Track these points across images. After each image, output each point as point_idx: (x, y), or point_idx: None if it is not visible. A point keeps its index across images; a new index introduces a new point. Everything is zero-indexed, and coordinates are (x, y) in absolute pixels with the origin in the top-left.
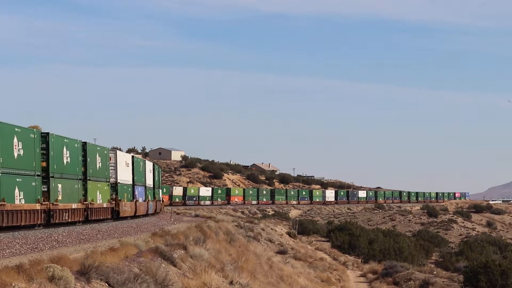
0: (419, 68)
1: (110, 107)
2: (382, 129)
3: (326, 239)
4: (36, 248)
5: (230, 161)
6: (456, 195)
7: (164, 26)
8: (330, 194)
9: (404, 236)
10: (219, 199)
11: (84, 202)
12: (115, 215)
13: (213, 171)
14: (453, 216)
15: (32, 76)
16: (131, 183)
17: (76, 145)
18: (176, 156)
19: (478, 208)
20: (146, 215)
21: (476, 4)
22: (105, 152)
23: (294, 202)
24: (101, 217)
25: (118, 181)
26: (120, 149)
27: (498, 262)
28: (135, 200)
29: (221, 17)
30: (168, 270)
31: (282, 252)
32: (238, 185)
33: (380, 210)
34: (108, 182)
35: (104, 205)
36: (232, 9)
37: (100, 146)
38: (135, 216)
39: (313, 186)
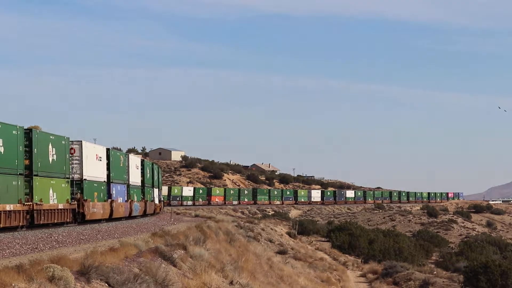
0: (419, 68)
1: (110, 107)
2: (382, 129)
3: (326, 239)
4: (36, 248)
5: (230, 161)
6: (449, 195)
7: (164, 26)
8: (316, 194)
9: (404, 236)
10: (200, 199)
11: (27, 203)
12: (80, 218)
13: (213, 171)
14: (453, 216)
15: (32, 76)
16: (105, 180)
17: (14, 132)
18: (176, 156)
19: (478, 208)
20: (130, 217)
21: (476, 4)
22: (63, 142)
23: (278, 202)
24: (56, 221)
25: (85, 177)
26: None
27: (498, 262)
28: (110, 200)
29: (222, 17)
30: (168, 270)
31: (282, 252)
32: (238, 185)
33: (380, 210)
34: (68, 178)
35: (60, 206)
36: (232, 9)
37: (55, 135)
38: (110, 219)
39: (313, 186)
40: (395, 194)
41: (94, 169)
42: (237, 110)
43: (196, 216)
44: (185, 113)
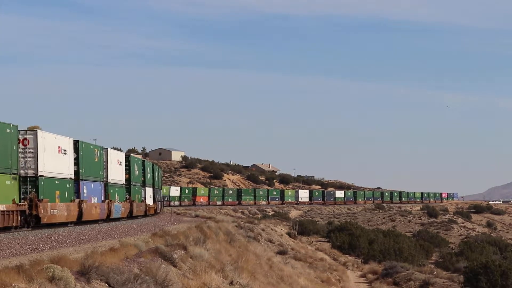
0: (419, 68)
1: (110, 107)
2: (382, 129)
3: (326, 240)
4: (36, 248)
5: (230, 161)
6: (443, 195)
7: (164, 26)
8: (303, 194)
9: (404, 236)
10: (186, 199)
11: None
12: (33, 221)
13: (213, 171)
14: (453, 217)
15: (32, 76)
16: (72, 177)
17: None
18: (176, 156)
19: (478, 209)
20: (109, 219)
21: (477, 4)
22: (8, 131)
23: (264, 203)
24: None
25: (41, 173)
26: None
27: (498, 263)
28: (78, 200)
29: (222, 18)
30: (168, 270)
31: (282, 252)
32: (238, 186)
33: (380, 211)
34: (16, 174)
35: (2, 208)
36: (233, 10)
37: None
38: (80, 222)
39: (313, 186)
40: (386, 194)
41: (55, 163)
42: (237, 110)
43: (196, 216)
44: (185, 113)
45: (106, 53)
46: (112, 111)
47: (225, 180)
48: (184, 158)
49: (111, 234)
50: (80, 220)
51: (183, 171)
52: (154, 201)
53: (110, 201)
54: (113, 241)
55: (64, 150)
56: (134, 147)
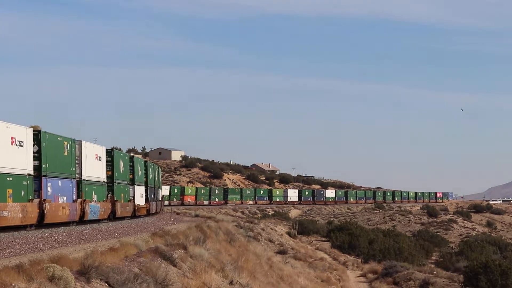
0: (419, 68)
1: (110, 107)
2: (382, 129)
3: (326, 239)
4: (36, 248)
5: (230, 161)
6: (438, 195)
7: (164, 26)
8: (292, 194)
9: (404, 236)
10: (175, 199)
11: None
12: None
13: (213, 171)
14: (453, 216)
15: (32, 76)
16: (31, 173)
17: None
18: (176, 156)
19: (478, 208)
20: (83, 221)
21: (477, 4)
22: None
23: (251, 202)
24: None
25: None
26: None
27: (498, 262)
28: (39, 200)
29: (222, 17)
30: (168, 270)
31: (282, 252)
32: (238, 185)
33: (380, 210)
34: None
35: None
36: (233, 10)
37: None
38: (40, 225)
39: (313, 186)
40: (379, 194)
41: (7, 157)
42: (237, 110)
43: (196, 216)
44: (185, 113)
45: (106, 53)
46: (112, 111)
47: (225, 179)
48: (184, 157)
49: (111, 233)
50: (40, 223)
51: (183, 171)
52: (147, 200)
53: (84, 200)
54: (113, 240)
55: (20, 141)
56: (134, 147)
